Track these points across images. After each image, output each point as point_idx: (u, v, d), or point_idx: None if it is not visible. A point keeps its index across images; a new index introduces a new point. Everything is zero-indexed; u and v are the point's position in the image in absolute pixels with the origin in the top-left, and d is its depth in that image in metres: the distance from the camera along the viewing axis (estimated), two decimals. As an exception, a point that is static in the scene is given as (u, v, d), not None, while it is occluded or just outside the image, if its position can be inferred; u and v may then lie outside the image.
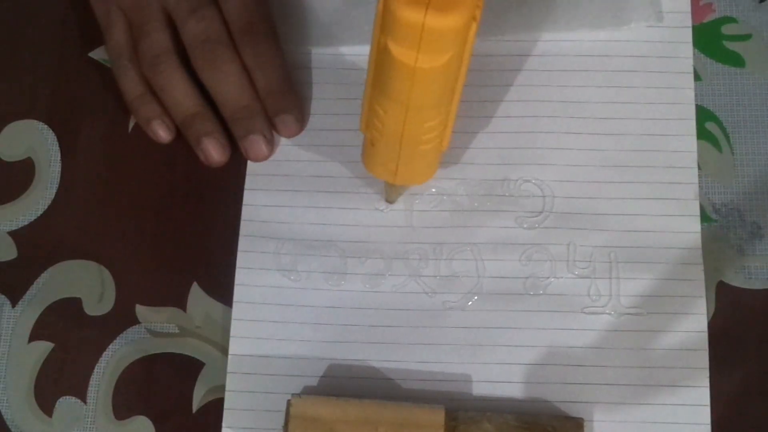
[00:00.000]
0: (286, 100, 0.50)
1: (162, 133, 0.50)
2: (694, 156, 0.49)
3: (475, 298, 0.48)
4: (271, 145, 0.50)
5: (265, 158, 0.50)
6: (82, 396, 0.48)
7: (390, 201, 0.49)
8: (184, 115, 0.50)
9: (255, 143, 0.49)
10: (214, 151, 0.49)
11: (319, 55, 0.52)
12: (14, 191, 0.51)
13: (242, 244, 0.49)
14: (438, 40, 0.37)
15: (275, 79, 0.50)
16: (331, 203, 0.49)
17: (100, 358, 0.48)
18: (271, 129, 0.50)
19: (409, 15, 0.36)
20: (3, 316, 0.49)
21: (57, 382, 0.48)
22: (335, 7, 0.52)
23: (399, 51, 0.38)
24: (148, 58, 0.49)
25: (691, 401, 0.46)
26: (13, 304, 0.49)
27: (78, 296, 0.49)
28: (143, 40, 0.50)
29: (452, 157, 0.50)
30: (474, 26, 0.38)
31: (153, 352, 0.48)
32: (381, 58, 0.39)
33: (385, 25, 0.38)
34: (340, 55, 0.52)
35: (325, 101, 0.51)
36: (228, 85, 0.49)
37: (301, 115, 0.50)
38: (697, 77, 0.51)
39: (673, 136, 0.49)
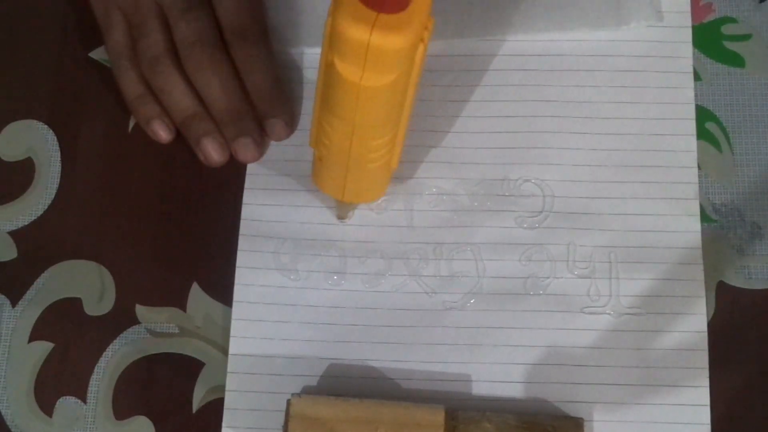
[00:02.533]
0: (275, 105, 0.50)
1: (162, 133, 0.50)
2: (694, 155, 0.49)
3: (475, 298, 0.48)
4: (261, 147, 0.50)
5: (255, 160, 0.50)
6: (82, 396, 0.48)
7: (341, 217, 0.49)
8: (183, 115, 0.50)
9: (244, 146, 0.49)
10: (213, 151, 0.49)
11: (313, 55, 0.52)
12: (14, 191, 0.51)
13: (242, 243, 0.49)
14: (383, 60, 0.37)
15: (265, 82, 0.49)
16: (330, 202, 0.49)
17: (100, 358, 0.48)
18: (261, 132, 0.50)
19: (355, 33, 0.36)
20: (3, 316, 0.49)
21: (57, 382, 0.48)
22: (327, 8, 0.52)
23: (345, 68, 0.38)
24: (146, 59, 0.49)
25: (691, 401, 0.46)
26: (14, 304, 0.49)
27: (78, 296, 0.49)
28: (141, 41, 0.50)
29: (452, 157, 0.50)
30: (422, 48, 0.38)
31: (153, 352, 0.48)
32: (328, 74, 0.39)
33: (332, 41, 0.37)
34: None
35: None
36: (216, 87, 0.49)
37: (290, 119, 0.50)
38: (697, 77, 0.51)
39: (672, 135, 0.50)
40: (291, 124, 0.50)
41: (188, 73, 0.49)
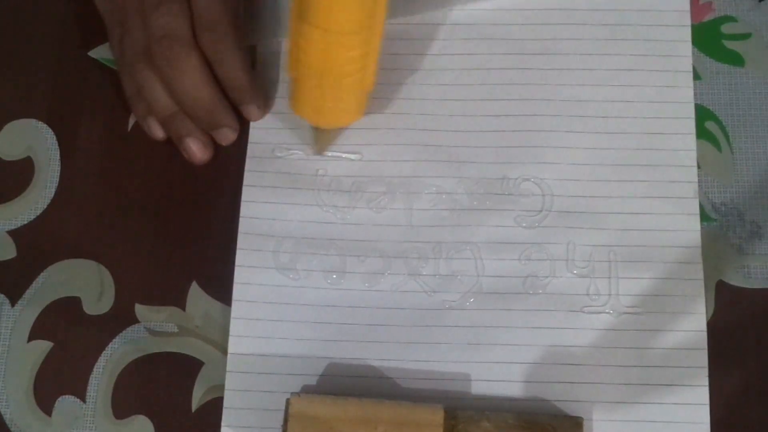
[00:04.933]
0: (246, 93, 0.50)
1: (156, 130, 0.50)
2: (694, 154, 0.49)
3: (474, 297, 0.48)
4: (237, 131, 0.50)
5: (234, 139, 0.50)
6: (81, 395, 0.48)
7: (319, 151, 0.49)
8: (165, 114, 0.49)
9: (222, 135, 0.50)
10: (196, 150, 0.50)
11: None
12: (13, 190, 0.51)
13: (241, 242, 0.49)
14: None
15: (234, 74, 0.49)
16: (330, 201, 0.49)
17: (100, 358, 0.48)
18: (235, 117, 0.50)
19: None
20: (2, 315, 0.49)
21: (56, 381, 0.48)
22: None
23: None
24: (128, 57, 0.49)
25: (691, 400, 0.46)
26: (13, 303, 0.49)
27: (77, 295, 0.49)
28: (124, 39, 0.49)
29: (451, 156, 0.50)
30: None
31: (152, 351, 0.48)
32: None
33: None
34: None
35: None
36: (182, 82, 0.48)
37: (263, 103, 0.50)
38: (696, 76, 0.51)
39: (672, 134, 0.49)
40: (264, 107, 0.51)
41: (158, 69, 0.48)
